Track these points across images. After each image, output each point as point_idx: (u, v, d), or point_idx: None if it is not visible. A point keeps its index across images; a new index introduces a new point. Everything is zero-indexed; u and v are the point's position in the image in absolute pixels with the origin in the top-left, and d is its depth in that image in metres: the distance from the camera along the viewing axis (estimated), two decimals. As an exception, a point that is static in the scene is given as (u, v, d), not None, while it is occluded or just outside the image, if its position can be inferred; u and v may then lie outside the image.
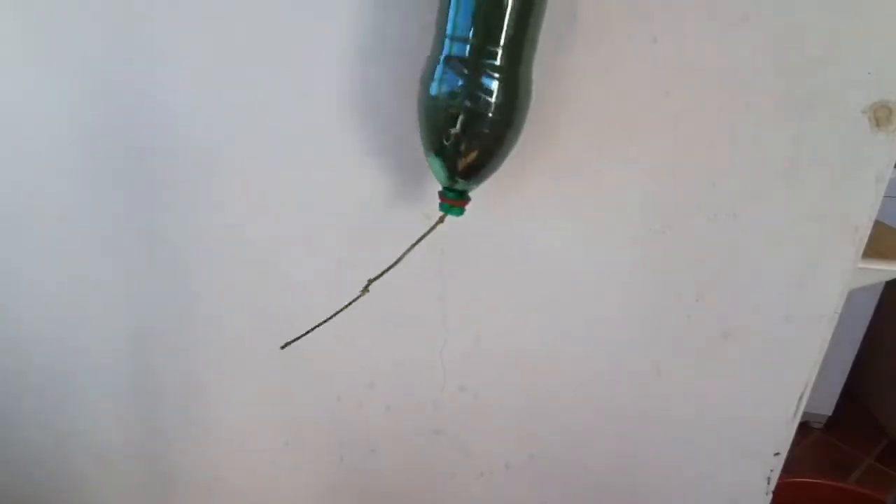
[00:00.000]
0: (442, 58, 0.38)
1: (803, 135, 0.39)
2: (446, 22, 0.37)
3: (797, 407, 0.46)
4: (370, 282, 0.45)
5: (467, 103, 0.37)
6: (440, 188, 0.42)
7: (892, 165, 0.39)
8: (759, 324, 0.45)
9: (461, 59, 0.37)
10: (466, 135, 0.38)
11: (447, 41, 0.37)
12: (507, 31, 0.36)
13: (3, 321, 0.60)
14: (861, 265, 0.43)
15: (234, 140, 0.48)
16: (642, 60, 0.40)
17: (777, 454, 0.48)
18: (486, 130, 0.38)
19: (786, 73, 0.39)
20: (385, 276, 0.50)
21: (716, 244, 0.43)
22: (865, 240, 0.42)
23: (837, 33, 0.38)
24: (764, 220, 0.42)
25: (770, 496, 0.50)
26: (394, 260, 0.44)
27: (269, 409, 0.59)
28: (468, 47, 0.36)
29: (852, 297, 0.47)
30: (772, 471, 0.49)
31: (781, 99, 0.39)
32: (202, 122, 0.48)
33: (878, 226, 0.48)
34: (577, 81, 0.41)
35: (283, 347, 0.49)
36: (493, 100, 0.37)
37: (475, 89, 0.37)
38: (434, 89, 0.38)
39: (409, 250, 0.43)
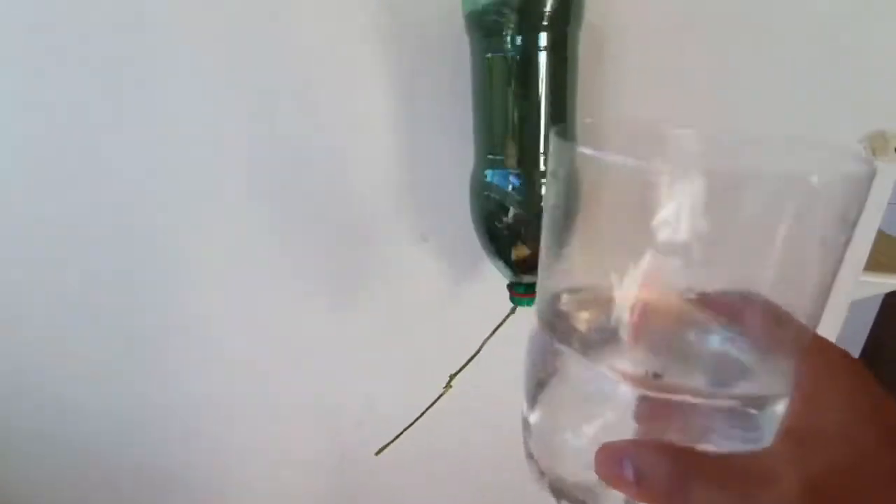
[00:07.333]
0: (486, 172, 0.39)
1: (801, 165, 0.40)
2: (485, 142, 0.39)
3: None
4: (452, 377, 0.47)
5: (520, 211, 0.38)
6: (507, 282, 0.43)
7: (889, 193, 0.40)
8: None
9: (505, 173, 0.38)
10: (525, 238, 0.39)
11: (490, 158, 0.38)
12: (545, 140, 0.37)
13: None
14: (861, 278, 0.44)
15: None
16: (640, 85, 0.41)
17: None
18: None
19: (782, 103, 0.40)
20: (385, 300, 0.51)
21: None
22: (864, 260, 0.43)
23: (834, 63, 0.39)
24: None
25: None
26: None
27: (268, 425, 0.60)
28: (511, 161, 0.37)
29: (852, 307, 0.47)
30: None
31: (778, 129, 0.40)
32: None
33: (879, 235, 0.49)
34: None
35: (377, 454, 0.51)
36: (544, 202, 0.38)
37: (525, 196, 0.38)
38: (483, 200, 0.39)
39: (486, 341, 0.45)
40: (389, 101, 0.44)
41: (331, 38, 0.42)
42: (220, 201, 0.48)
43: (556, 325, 0.24)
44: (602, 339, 0.22)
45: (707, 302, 0.21)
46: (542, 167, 0.37)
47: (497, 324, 0.44)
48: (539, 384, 0.24)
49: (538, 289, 0.24)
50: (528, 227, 0.38)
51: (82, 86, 0.45)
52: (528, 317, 0.43)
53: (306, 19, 0.42)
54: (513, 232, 0.39)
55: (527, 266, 0.40)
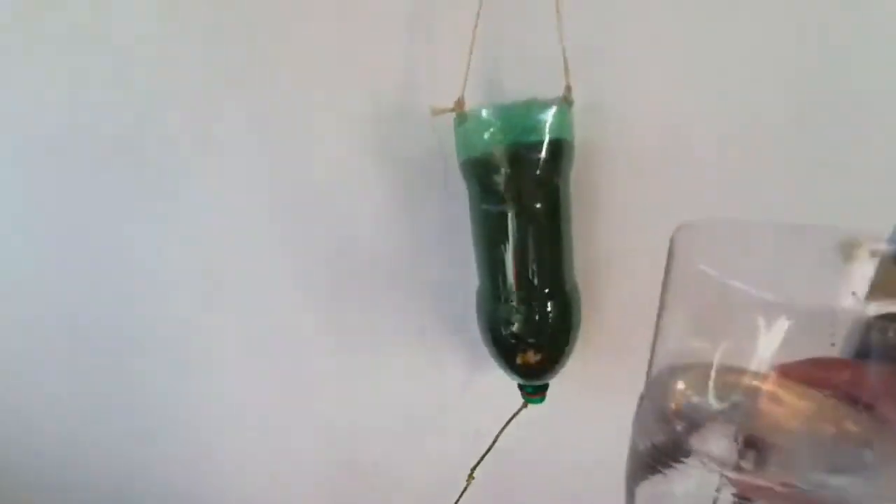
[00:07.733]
0: (489, 296, 0.43)
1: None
2: (487, 270, 0.43)
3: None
4: (473, 469, 0.51)
5: (525, 329, 0.42)
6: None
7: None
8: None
9: (511, 299, 0.42)
10: (531, 350, 0.43)
11: (492, 289, 0.43)
12: (549, 270, 0.41)
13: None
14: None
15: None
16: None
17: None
18: (548, 342, 0.43)
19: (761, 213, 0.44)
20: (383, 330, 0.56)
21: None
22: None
23: (808, 171, 0.42)
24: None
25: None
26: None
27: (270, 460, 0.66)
28: (516, 295, 0.42)
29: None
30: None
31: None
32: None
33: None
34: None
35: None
36: (550, 317, 0.42)
37: (527, 316, 0.42)
38: (488, 317, 0.44)
39: (500, 432, 0.49)
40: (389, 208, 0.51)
41: (342, 154, 0.50)
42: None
43: (664, 403, 0.23)
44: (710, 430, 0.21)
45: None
46: (547, 290, 0.41)
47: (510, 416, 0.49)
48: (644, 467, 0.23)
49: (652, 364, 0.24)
50: (529, 341, 0.43)
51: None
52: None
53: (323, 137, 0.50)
54: (516, 345, 0.43)
55: (530, 372, 0.45)
